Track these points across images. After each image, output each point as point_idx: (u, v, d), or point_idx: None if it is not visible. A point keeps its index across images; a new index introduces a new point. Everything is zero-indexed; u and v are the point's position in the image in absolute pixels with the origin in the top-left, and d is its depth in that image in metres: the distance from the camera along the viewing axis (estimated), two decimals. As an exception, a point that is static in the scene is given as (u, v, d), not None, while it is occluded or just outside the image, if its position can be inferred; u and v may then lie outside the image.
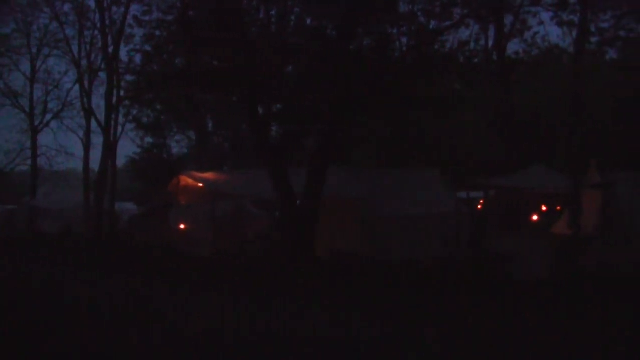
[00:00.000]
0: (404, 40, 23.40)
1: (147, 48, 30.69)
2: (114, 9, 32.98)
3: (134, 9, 30.20)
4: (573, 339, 10.08)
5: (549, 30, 62.42)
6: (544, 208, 30.28)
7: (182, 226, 24.70)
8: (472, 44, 31.38)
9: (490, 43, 33.78)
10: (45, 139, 59.02)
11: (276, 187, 19.28)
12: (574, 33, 31.90)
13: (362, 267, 18.12)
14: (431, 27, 21.79)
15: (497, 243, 18.98)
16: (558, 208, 27.54)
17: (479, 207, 33.17)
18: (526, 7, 30.47)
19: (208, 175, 24.48)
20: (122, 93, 34.88)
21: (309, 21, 21.91)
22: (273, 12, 21.84)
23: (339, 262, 18.97)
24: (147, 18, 25.80)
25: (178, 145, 51.18)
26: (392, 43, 21.47)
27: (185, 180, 24.02)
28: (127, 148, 70.80)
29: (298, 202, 19.45)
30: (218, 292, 15.24)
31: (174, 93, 33.17)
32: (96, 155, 34.85)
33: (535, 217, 28.61)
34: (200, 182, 23.25)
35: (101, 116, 33.77)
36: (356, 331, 10.67)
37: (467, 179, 27.74)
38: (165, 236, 24.86)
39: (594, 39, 33.26)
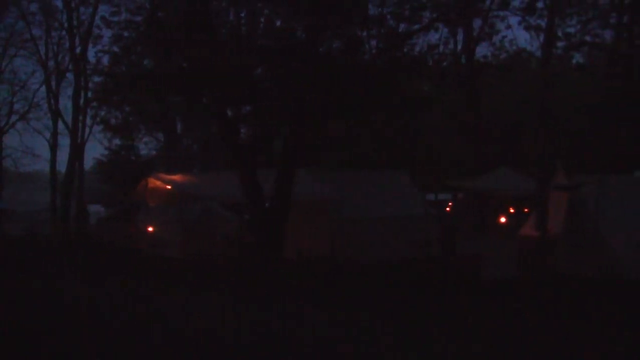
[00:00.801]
0: (374, 43, 23.51)
1: (115, 49, 30.46)
2: (82, 9, 32.83)
3: (102, 9, 30.07)
4: (538, 337, 10.17)
5: (516, 34, 63.30)
6: (511, 210, 30.62)
7: (150, 228, 24.54)
8: (441, 48, 31.65)
9: (459, 46, 34.13)
10: (11, 140, 58.20)
11: (245, 188, 19.23)
12: (541, 37, 32.41)
13: (332, 268, 18.17)
14: (400, 30, 21.90)
15: (466, 244, 19.14)
16: (526, 210, 27.84)
17: (448, 209, 33.45)
18: (494, 11, 30.80)
19: (176, 177, 24.36)
20: (89, 94, 34.66)
21: (278, 23, 21.92)
22: (243, 14, 21.81)
23: (308, 263, 18.99)
24: (115, 19, 25.60)
25: (146, 147, 50.94)
26: (361, 46, 21.54)
27: (154, 182, 23.89)
28: (95, 150, 70.29)
29: (267, 204, 19.42)
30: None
31: (143, 94, 33.00)
32: (63, 157, 34.65)
33: (503, 219, 28.90)
34: (168, 184, 23.13)
35: (68, 117, 33.55)
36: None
37: (436, 180, 27.93)
38: (133, 238, 24.69)
39: (560, 44, 33.78)
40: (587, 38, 33.92)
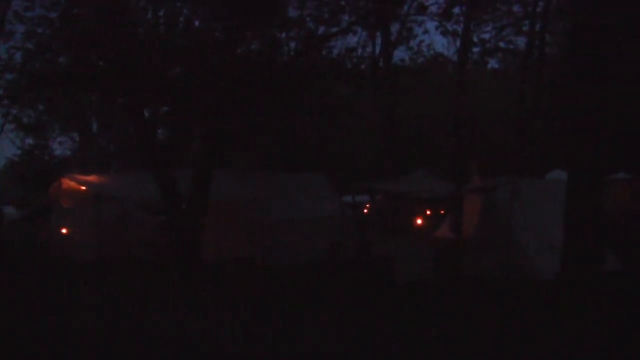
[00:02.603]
0: (293, 45, 23.55)
1: (29, 45, 29.68)
2: (-7, 3, 31.79)
3: (15, 4, 29.15)
4: (450, 338, 10.36)
5: (434, 39, 64.53)
6: (428, 212, 31.10)
7: (64, 230, 24.01)
8: (359, 51, 31.92)
9: (377, 50, 34.44)
10: None
11: (161, 190, 19.01)
12: (458, 42, 33.07)
13: (250, 271, 18.20)
14: (319, 32, 21.99)
15: (382, 246, 19.33)
16: (442, 212, 28.33)
17: (365, 211, 33.75)
18: (412, 15, 31.24)
19: (91, 177, 23.89)
20: (1, 92, 33.66)
21: (197, 23, 21.73)
22: (161, 13, 21.53)
23: (225, 266, 18.97)
24: (28, 14, 24.91)
25: (61, 146, 49.83)
26: (280, 47, 21.55)
27: (68, 182, 23.37)
28: (7, 149, 68.39)
29: (184, 205, 19.24)
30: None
31: (57, 93, 32.26)
32: (-27, 156, 33.62)
33: (419, 221, 29.32)
34: (83, 185, 22.68)
35: (-22, 116, 32.52)
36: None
37: (353, 183, 28.12)
38: (46, 240, 24.13)
39: (476, 49, 34.51)
40: (502, 44, 34.73)
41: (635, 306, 12.43)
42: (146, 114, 20.50)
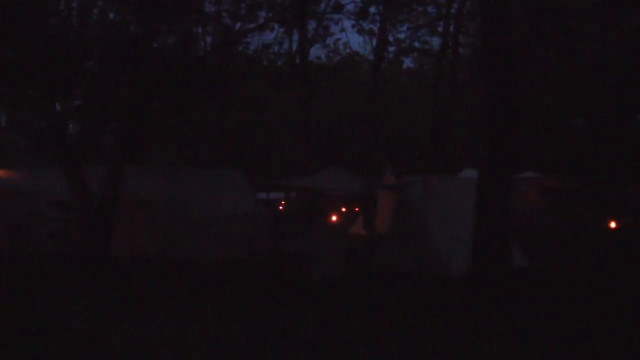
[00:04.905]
0: (209, 39, 23.44)
1: None
2: None
3: None
4: (365, 334, 10.48)
5: (350, 38, 65.18)
6: (343, 209, 31.39)
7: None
8: (276, 47, 32.02)
9: (294, 47, 34.62)
10: None
11: (73, 186, 18.60)
12: (374, 41, 33.53)
13: (161, 267, 18.04)
14: (236, 28, 21.98)
15: (296, 243, 19.39)
16: (356, 209, 28.64)
17: (280, 207, 33.85)
18: (329, 13, 31.51)
19: (0, 172, 23.23)
20: None
21: (111, 15, 21.41)
22: (74, 4, 21.11)
23: (136, 263, 18.74)
24: None
25: (-32, 140, 48.29)
26: (196, 42, 21.43)
27: (-26, 178, 22.67)
28: None
29: (96, 201, 18.87)
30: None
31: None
32: None
33: (334, 218, 29.56)
34: (-10, 180, 22.03)
35: None
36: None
37: (268, 179, 28.18)
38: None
39: (391, 48, 35.06)
40: (417, 44, 35.37)
41: (542, 301, 12.86)
42: (58, 107, 20.04)
